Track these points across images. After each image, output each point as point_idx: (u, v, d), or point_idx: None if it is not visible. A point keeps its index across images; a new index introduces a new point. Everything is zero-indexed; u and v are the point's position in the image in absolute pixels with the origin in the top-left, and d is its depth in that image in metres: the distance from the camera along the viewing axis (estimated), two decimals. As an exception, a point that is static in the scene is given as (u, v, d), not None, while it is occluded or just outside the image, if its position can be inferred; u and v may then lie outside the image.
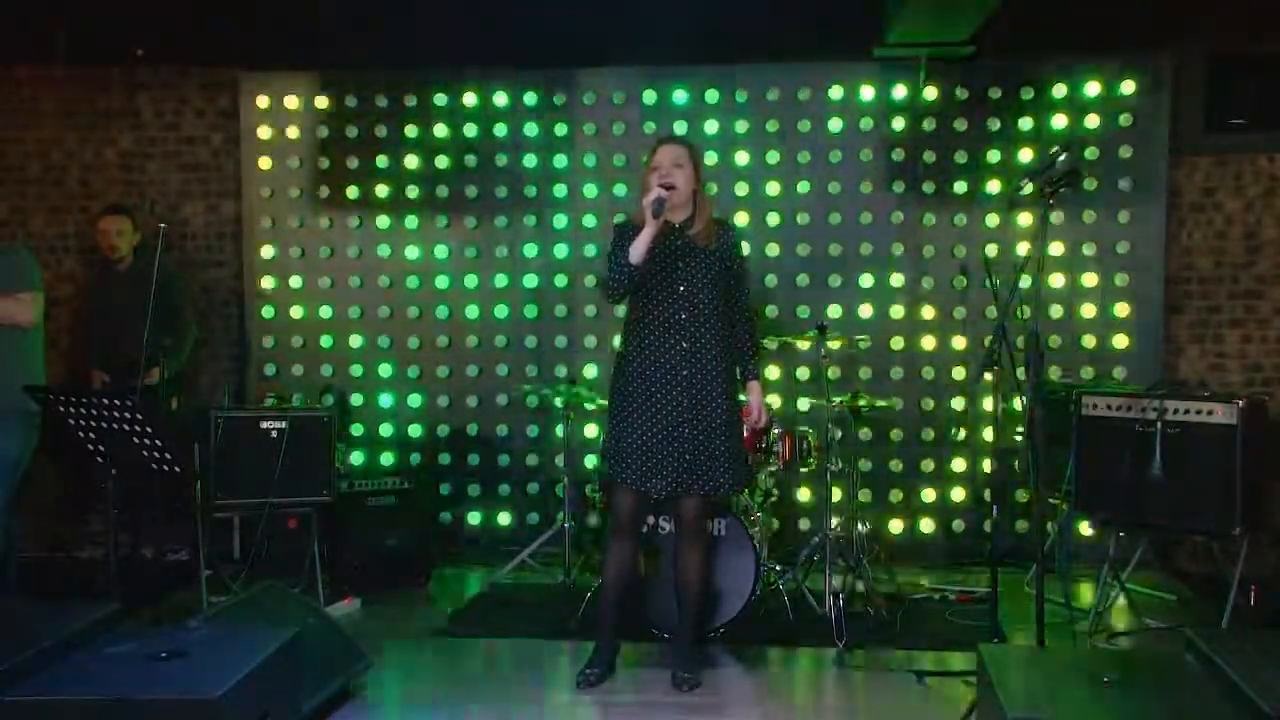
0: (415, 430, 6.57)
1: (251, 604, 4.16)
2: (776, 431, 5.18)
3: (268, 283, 6.58)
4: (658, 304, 4.23)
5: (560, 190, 6.47)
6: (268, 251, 6.57)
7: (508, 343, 6.52)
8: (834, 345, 5.30)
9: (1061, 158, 4.13)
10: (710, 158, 6.32)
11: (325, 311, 6.58)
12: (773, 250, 6.34)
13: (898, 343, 6.31)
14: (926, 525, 6.33)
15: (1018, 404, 5.51)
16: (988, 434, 6.01)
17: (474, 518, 6.56)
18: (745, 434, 4.65)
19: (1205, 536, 4.90)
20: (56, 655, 3.31)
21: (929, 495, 6.33)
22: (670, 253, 4.23)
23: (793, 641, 4.83)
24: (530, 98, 6.46)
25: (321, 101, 6.55)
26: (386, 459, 6.53)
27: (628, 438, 4.24)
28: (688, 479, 4.21)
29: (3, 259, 4.97)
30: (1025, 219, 6.14)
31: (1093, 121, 6.17)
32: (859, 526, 5.21)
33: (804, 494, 6.31)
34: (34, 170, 6.77)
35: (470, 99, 6.48)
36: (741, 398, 4.42)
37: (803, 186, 6.33)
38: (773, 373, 6.33)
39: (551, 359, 6.49)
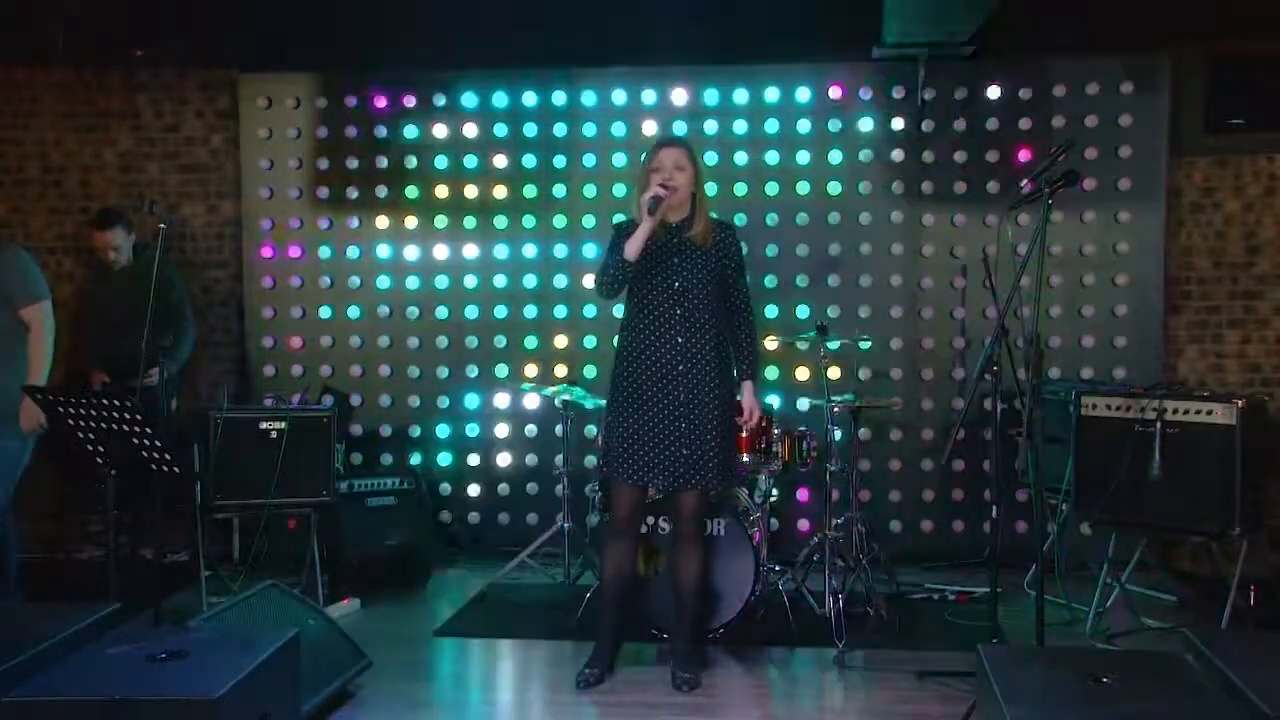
0: (415, 430, 6.57)
1: (251, 604, 4.16)
2: (776, 432, 5.18)
3: (267, 283, 6.58)
4: (653, 300, 4.25)
5: (560, 190, 6.47)
6: (267, 252, 6.57)
7: (507, 343, 6.52)
8: (834, 345, 5.29)
9: (1062, 158, 4.13)
10: (710, 158, 6.33)
11: (325, 311, 6.58)
12: (772, 250, 6.34)
13: (897, 343, 6.31)
14: (926, 525, 6.33)
15: (1018, 404, 5.50)
16: (987, 434, 6.01)
17: (474, 518, 6.56)
18: (744, 434, 4.66)
19: (1205, 537, 4.89)
20: (56, 655, 3.31)
21: (929, 495, 6.33)
22: (666, 250, 4.26)
23: (793, 642, 4.83)
24: (530, 98, 6.46)
25: (321, 101, 6.55)
26: (386, 459, 6.53)
27: (625, 434, 4.26)
28: (684, 474, 4.23)
29: (5, 261, 4.97)
30: (1025, 219, 6.13)
31: (1092, 121, 6.17)
32: (859, 526, 5.21)
33: (804, 494, 6.31)
34: (33, 171, 6.77)
35: (470, 99, 6.48)
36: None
37: (802, 187, 6.33)
38: (772, 373, 6.33)
39: (551, 359, 6.48)
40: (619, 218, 4.30)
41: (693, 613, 4.46)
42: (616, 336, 4.47)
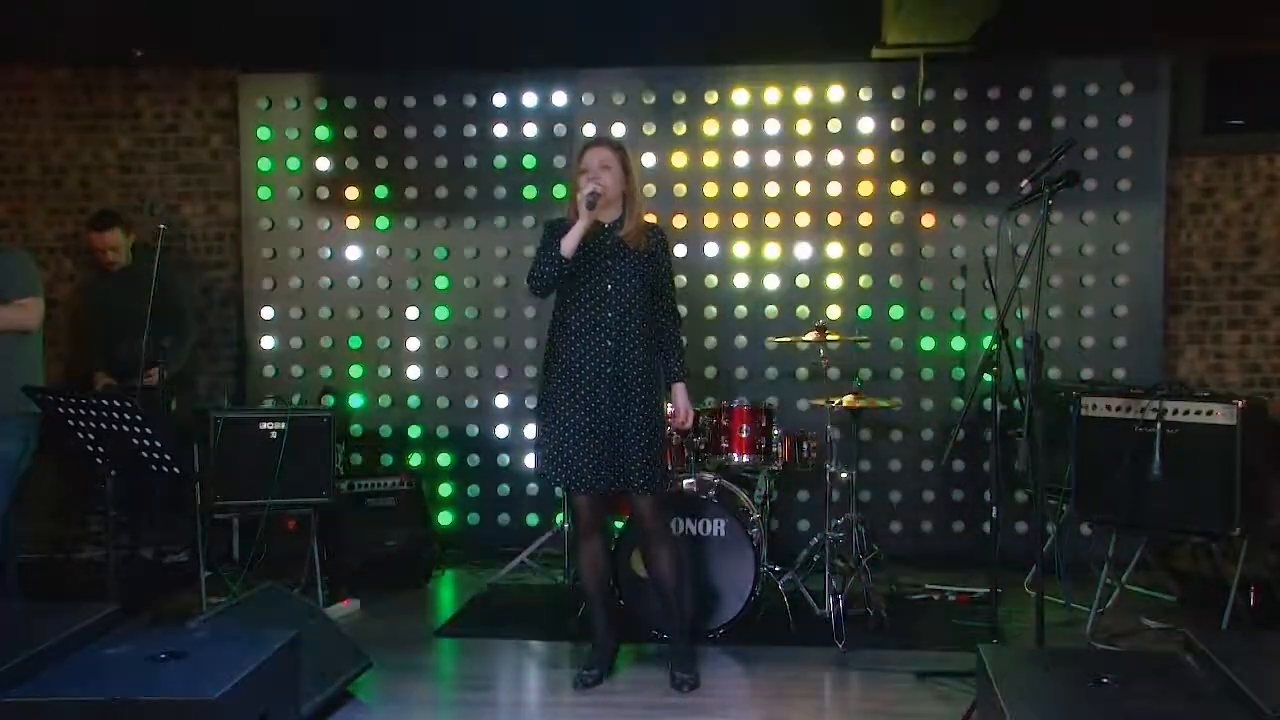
0: (415, 430, 6.57)
1: (251, 605, 4.16)
2: (777, 432, 5.18)
3: (267, 283, 6.58)
4: (585, 302, 4.23)
5: (559, 191, 6.46)
6: (267, 252, 6.57)
7: (506, 343, 6.52)
8: (834, 345, 5.29)
9: (1062, 157, 4.12)
10: (709, 158, 6.34)
11: (325, 312, 6.58)
12: (772, 251, 6.34)
13: (898, 343, 6.31)
14: (926, 526, 6.33)
15: (1017, 404, 5.50)
16: (987, 434, 6.01)
17: (473, 518, 6.56)
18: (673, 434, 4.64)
19: (1204, 537, 4.89)
20: (56, 655, 3.31)
21: (929, 496, 6.33)
22: (599, 251, 4.24)
23: (792, 642, 4.83)
24: (529, 98, 6.46)
25: (321, 102, 6.55)
26: (386, 459, 6.53)
27: (553, 435, 4.25)
28: (605, 475, 4.21)
29: (3, 262, 4.97)
30: (1025, 219, 6.13)
31: (1093, 121, 6.17)
32: (858, 527, 5.21)
33: (803, 494, 6.31)
34: (33, 171, 6.77)
35: (469, 99, 6.48)
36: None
37: (802, 187, 6.33)
38: (771, 373, 6.34)
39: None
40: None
41: (682, 612, 4.45)
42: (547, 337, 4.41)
